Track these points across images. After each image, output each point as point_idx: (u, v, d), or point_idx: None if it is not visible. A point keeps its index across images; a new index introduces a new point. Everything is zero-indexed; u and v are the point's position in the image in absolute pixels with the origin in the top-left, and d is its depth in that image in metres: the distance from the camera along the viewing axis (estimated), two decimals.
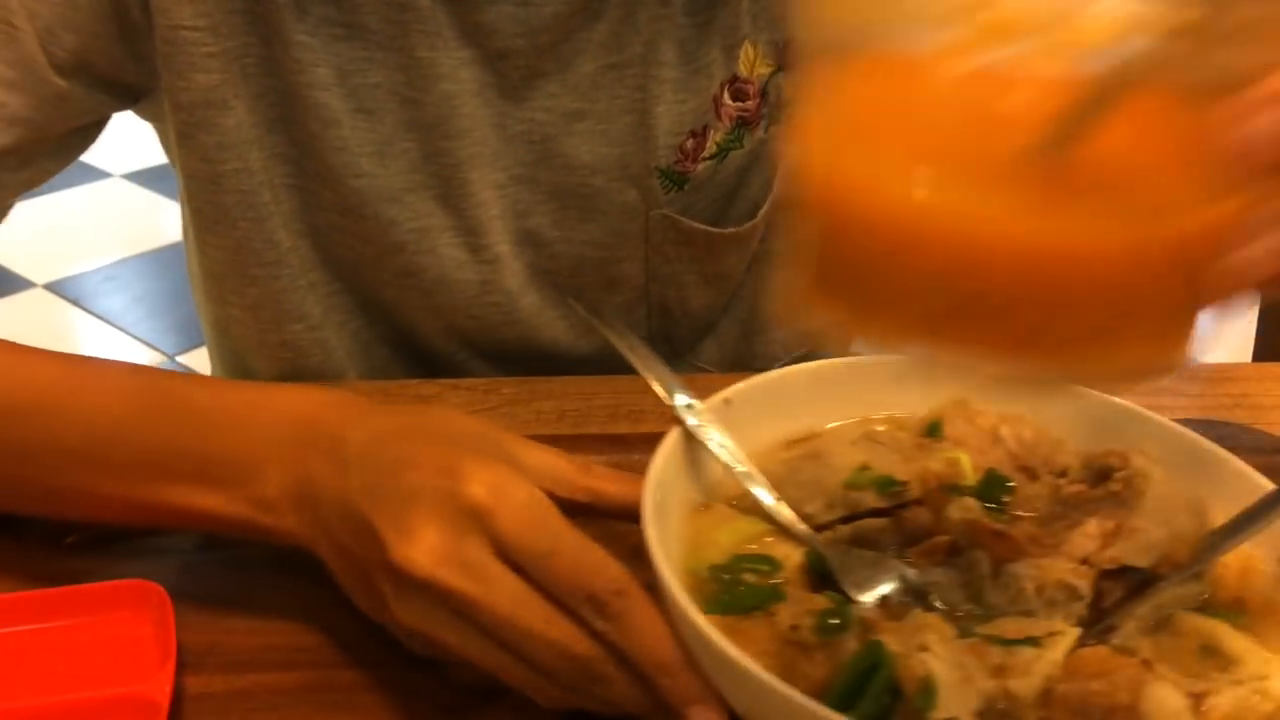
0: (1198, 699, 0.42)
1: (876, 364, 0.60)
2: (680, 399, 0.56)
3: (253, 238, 0.72)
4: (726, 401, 0.57)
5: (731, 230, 0.75)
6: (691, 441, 0.55)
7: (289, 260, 0.73)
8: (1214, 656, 0.45)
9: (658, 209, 0.73)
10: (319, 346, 0.76)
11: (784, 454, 0.57)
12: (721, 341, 0.84)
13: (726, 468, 0.54)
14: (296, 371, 0.76)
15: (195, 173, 0.70)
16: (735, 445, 0.55)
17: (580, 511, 0.51)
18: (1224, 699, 0.42)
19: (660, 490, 0.50)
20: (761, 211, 0.76)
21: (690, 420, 0.55)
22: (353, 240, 0.73)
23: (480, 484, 0.46)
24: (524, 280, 0.75)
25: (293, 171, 0.70)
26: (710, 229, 0.75)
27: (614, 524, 0.57)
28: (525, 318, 0.76)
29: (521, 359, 0.77)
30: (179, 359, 2.45)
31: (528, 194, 0.72)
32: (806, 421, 0.58)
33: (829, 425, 0.59)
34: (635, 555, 0.60)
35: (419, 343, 0.78)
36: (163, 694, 0.48)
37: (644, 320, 0.79)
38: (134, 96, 0.69)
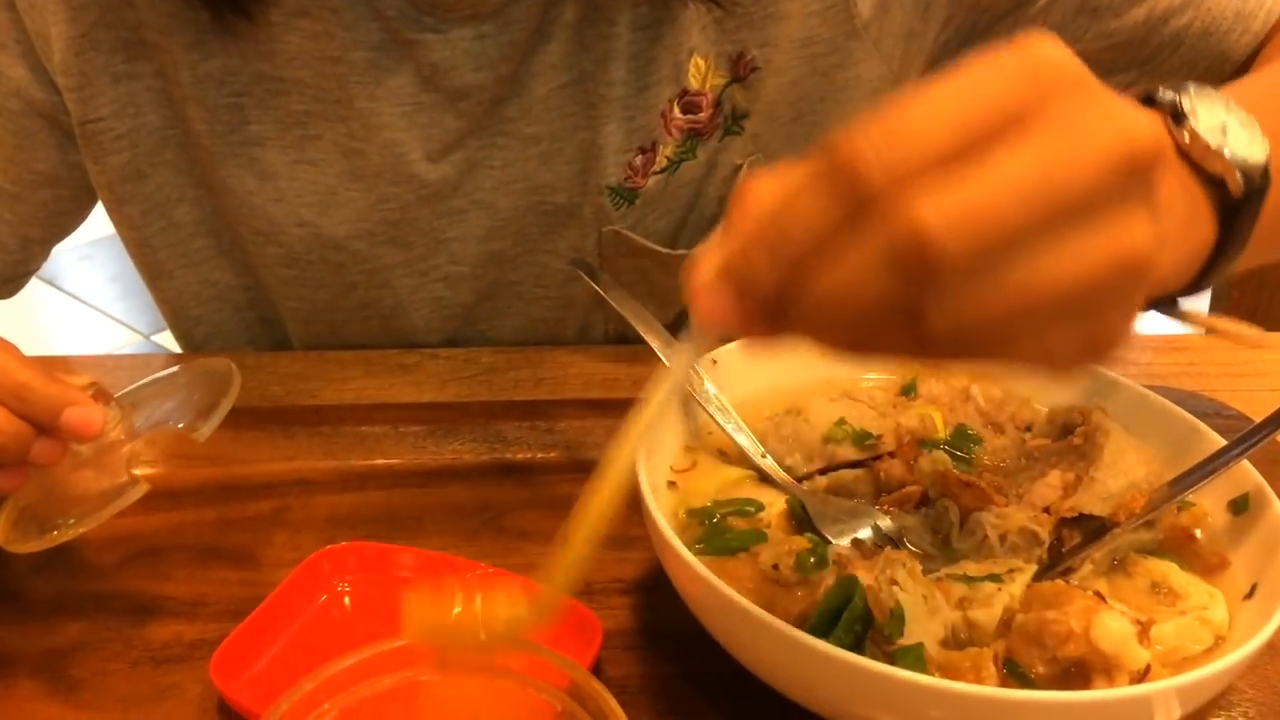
0: (1145, 627, 0.45)
1: None
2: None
3: (191, 281, 0.76)
4: (714, 362, 0.60)
5: (681, 252, 0.75)
6: (683, 397, 0.58)
7: (232, 297, 0.77)
8: (1162, 593, 0.49)
9: (609, 225, 0.73)
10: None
11: (767, 410, 0.60)
12: None
13: (714, 421, 0.58)
14: None
15: (127, 238, 0.74)
16: (724, 401, 0.58)
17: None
18: (1168, 627, 0.46)
19: (652, 439, 0.53)
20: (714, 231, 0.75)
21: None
22: (303, 290, 0.75)
23: None
24: (483, 292, 0.76)
25: (228, 223, 0.73)
26: (659, 249, 0.74)
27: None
28: (483, 317, 0.78)
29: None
30: (154, 338, 2.44)
31: (488, 219, 0.73)
32: (788, 381, 0.61)
33: (810, 384, 0.61)
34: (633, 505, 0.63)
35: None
36: None
37: (601, 325, 0.79)
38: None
